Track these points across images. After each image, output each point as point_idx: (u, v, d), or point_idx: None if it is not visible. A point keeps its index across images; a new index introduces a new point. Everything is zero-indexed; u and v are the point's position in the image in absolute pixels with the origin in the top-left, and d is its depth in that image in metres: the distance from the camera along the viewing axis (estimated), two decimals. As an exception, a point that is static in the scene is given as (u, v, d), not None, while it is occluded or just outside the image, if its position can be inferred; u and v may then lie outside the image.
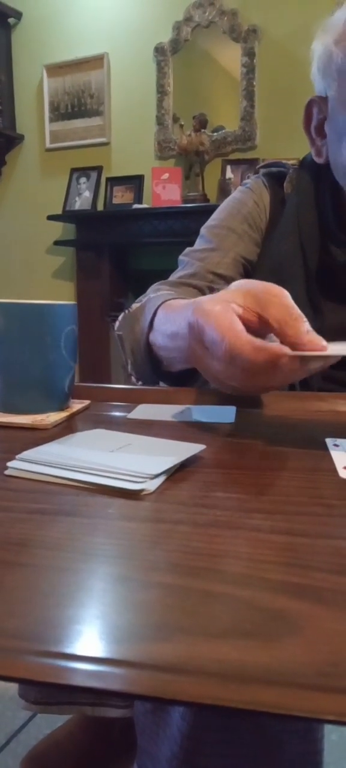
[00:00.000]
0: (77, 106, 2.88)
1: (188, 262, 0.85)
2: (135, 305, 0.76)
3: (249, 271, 0.85)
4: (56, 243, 2.88)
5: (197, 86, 2.65)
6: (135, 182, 2.63)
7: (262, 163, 0.93)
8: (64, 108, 2.90)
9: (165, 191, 2.47)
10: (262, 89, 2.51)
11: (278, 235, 0.83)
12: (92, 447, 0.46)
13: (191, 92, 2.66)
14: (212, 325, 0.47)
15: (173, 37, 2.66)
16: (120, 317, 0.79)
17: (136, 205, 2.53)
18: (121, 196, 2.64)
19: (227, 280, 0.82)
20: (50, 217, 2.76)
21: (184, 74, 2.67)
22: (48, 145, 2.94)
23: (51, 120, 2.92)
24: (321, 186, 0.82)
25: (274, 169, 0.89)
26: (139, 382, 0.81)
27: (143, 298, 0.77)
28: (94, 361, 2.69)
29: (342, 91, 0.75)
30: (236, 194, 0.90)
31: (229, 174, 2.51)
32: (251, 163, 2.47)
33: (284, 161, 0.90)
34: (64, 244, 2.85)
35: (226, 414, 0.62)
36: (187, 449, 0.46)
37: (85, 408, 0.65)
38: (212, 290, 0.82)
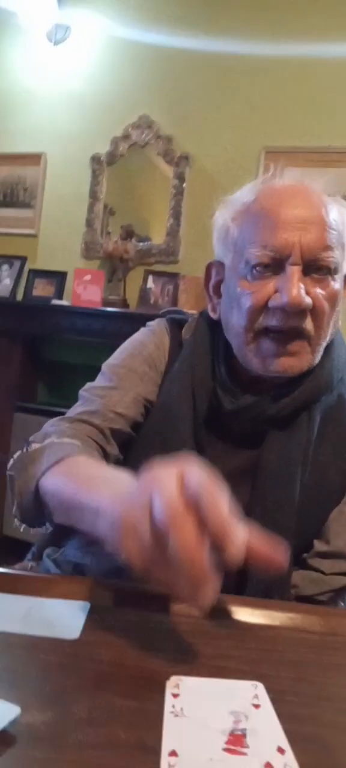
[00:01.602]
0: (9, 196, 2.86)
1: (89, 398, 0.85)
2: (34, 445, 0.74)
3: (149, 410, 0.86)
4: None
5: (129, 197, 2.74)
6: (57, 278, 2.61)
7: (165, 309, 0.99)
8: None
9: (86, 291, 2.47)
10: (188, 210, 2.63)
11: (172, 377, 0.85)
12: None
13: (122, 202, 2.74)
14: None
15: (110, 150, 2.76)
16: (15, 456, 0.77)
17: (55, 301, 2.50)
18: (42, 289, 2.60)
19: (128, 420, 0.84)
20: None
21: (117, 185, 2.75)
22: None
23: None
24: (216, 337, 0.86)
25: (177, 316, 0.93)
26: (23, 525, 0.77)
27: (44, 439, 0.75)
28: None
29: (235, 262, 0.80)
30: (138, 335, 0.93)
31: (150, 284, 2.56)
32: (172, 277, 2.54)
33: (184, 311, 0.96)
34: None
35: (74, 616, 0.56)
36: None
37: None
38: (112, 430, 0.82)
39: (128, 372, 0.87)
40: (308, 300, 0.73)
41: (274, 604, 0.63)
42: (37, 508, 0.68)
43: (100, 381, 0.88)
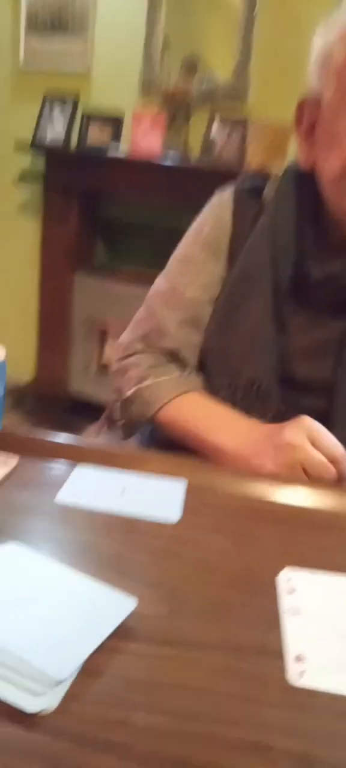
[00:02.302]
0: (58, 22, 2.59)
1: (151, 310, 0.83)
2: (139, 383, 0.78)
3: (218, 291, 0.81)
4: (22, 178, 2.66)
5: (190, 24, 2.42)
6: (113, 122, 2.41)
7: (242, 175, 0.87)
8: (42, 23, 2.60)
9: (145, 139, 2.28)
10: (260, 42, 2.30)
11: (250, 246, 0.78)
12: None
13: (184, 29, 2.42)
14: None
15: None
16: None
17: (112, 150, 2.33)
18: (97, 136, 2.42)
19: (191, 324, 0.80)
20: (18, 147, 2.53)
21: (177, 12, 2.42)
22: (22, 64, 2.66)
23: (27, 33, 2.62)
24: (303, 195, 0.76)
25: (251, 183, 0.83)
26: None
27: (139, 378, 0.78)
28: (54, 317, 2.55)
29: (339, 96, 0.68)
30: (199, 217, 0.86)
31: (215, 131, 2.32)
32: (239, 123, 2.29)
33: (265, 173, 0.84)
34: (31, 181, 2.64)
35: (172, 497, 0.54)
36: (113, 609, 0.37)
37: (12, 470, 0.56)
38: (178, 349, 0.80)
39: (188, 265, 0.82)
40: None
41: None
42: (147, 427, 0.75)
43: (161, 282, 0.85)
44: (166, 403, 0.74)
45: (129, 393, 0.78)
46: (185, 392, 0.74)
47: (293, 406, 0.75)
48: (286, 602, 0.41)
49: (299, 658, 0.36)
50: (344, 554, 0.48)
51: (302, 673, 0.35)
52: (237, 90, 2.32)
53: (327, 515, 0.55)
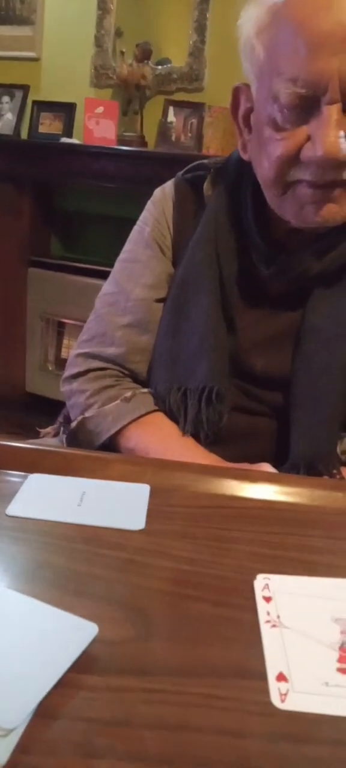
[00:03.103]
0: (4, 10, 2.47)
1: (99, 314, 0.80)
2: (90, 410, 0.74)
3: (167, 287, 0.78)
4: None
5: (144, 8, 2.35)
6: (65, 110, 2.32)
7: (187, 167, 0.82)
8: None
9: (98, 127, 2.20)
10: (214, 25, 2.26)
11: (193, 244, 0.75)
12: None
13: (136, 14, 2.36)
14: None
15: None
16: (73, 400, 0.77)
17: (65, 139, 2.25)
18: (49, 125, 2.33)
19: (138, 325, 0.77)
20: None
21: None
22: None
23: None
24: (245, 187, 0.72)
25: (193, 174, 0.79)
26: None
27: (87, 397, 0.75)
28: (8, 313, 2.44)
29: (262, 94, 0.64)
30: (143, 213, 0.82)
31: (171, 117, 2.27)
32: (196, 108, 2.25)
33: (207, 161, 0.81)
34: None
35: (136, 503, 0.50)
36: (71, 638, 0.33)
37: None
38: (127, 352, 0.77)
39: (133, 264, 0.79)
40: None
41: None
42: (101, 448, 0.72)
43: (107, 285, 0.82)
44: (113, 434, 0.71)
45: (74, 425, 0.75)
46: (133, 420, 0.71)
47: (254, 400, 0.74)
48: (264, 612, 0.38)
49: (281, 677, 0.33)
50: (319, 553, 0.45)
51: (285, 695, 0.31)
52: (192, 74, 2.27)
53: (301, 509, 0.52)
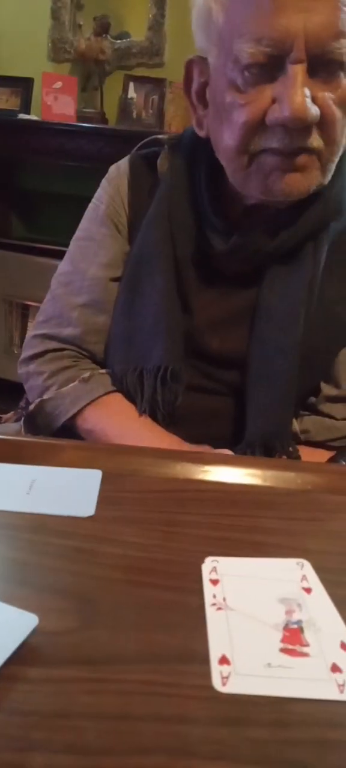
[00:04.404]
0: None
1: (54, 295, 0.79)
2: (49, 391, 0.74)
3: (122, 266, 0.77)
4: None
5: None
6: (22, 85, 2.24)
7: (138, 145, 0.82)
8: None
9: (57, 103, 2.14)
10: (174, -3, 2.22)
11: (147, 222, 0.74)
12: None
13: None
14: None
15: None
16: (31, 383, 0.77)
17: (22, 115, 2.17)
18: (6, 101, 2.25)
19: (94, 304, 0.76)
20: None
21: None
22: None
23: None
24: (199, 163, 0.72)
25: (147, 150, 0.78)
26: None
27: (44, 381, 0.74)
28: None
29: (221, 61, 0.62)
30: (98, 191, 0.81)
31: (131, 93, 2.23)
32: (157, 83, 2.21)
33: (161, 137, 0.80)
34: None
35: (86, 489, 0.49)
36: (10, 630, 0.32)
37: None
38: (84, 332, 0.76)
39: (87, 243, 0.78)
40: (314, 110, 0.57)
41: (307, 466, 0.57)
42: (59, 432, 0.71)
43: (63, 265, 0.80)
44: (72, 416, 0.70)
45: (31, 407, 0.74)
46: (92, 401, 0.71)
47: (210, 379, 0.74)
48: (210, 595, 0.38)
49: (224, 660, 0.33)
50: (269, 534, 0.46)
51: (227, 678, 0.31)
52: (153, 49, 2.23)
53: (253, 491, 0.52)
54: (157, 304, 0.70)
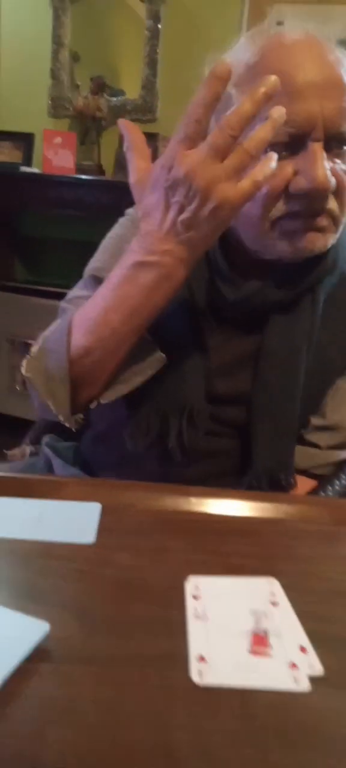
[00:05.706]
0: None
1: (73, 311, 0.77)
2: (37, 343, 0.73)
3: None
4: None
5: (97, 43, 2.45)
6: (24, 141, 2.38)
7: None
8: None
9: (57, 157, 2.27)
10: (166, 57, 2.37)
11: None
12: None
13: (90, 49, 2.45)
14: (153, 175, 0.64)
15: (73, -17, 2.41)
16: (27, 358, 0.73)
17: (24, 168, 2.30)
18: (8, 154, 2.38)
19: None
20: None
21: (83, 28, 2.44)
22: None
23: None
24: None
25: None
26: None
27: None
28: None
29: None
30: (117, 229, 0.86)
31: (127, 147, 2.36)
32: (150, 138, 2.34)
33: None
34: None
35: (88, 520, 0.56)
36: (25, 635, 0.39)
37: None
38: None
39: (102, 274, 0.78)
40: (333, 180, 0.67)
41: (282, 497, 0.64)
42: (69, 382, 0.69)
43: (81, 287, 0.82)
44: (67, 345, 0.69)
45: (24, 370, 0.73)
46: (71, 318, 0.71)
47: (216, 420, 0.78)
48: (191, 608, 0.45)
49: (201, 658, 0.40)
50: (246, 557, 0.53)
51: (203, 672, 0.38)
52: (146, 106, 2.37)
53: (234, 521, 0.60)
54: (180, 346, 0.74)
